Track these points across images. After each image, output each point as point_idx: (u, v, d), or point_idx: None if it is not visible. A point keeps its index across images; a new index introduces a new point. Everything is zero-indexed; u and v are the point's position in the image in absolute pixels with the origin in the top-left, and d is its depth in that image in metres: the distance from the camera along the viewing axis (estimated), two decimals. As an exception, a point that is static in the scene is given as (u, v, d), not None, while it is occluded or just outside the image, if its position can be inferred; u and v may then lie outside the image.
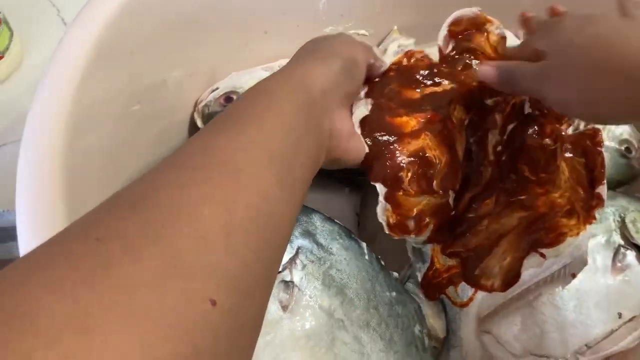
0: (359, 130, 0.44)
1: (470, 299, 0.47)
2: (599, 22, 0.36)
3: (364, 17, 0.63)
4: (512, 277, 0.43)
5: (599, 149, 0.47)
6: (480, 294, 0.47)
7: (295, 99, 0.35)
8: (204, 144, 0.29)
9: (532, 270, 0.44)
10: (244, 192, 0.26)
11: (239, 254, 0.24)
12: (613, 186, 0.57)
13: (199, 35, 0.53)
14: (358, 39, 0.46)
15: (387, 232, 0.43)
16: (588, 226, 0.43)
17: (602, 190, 0.45)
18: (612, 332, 0.48)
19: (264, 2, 0.56)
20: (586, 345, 0.48)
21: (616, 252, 0.49)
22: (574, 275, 0.45)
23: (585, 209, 0.44)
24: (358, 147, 0.44)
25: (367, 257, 0.48)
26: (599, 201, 0.45)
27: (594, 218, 0.44)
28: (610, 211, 0.51)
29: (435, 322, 0.50)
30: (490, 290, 0.45)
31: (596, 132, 0.47)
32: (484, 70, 0.42)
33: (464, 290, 0.48)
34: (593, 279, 0.49)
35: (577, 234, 0.43)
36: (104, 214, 0.23)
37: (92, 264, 0.19)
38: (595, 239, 0.50)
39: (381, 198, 0.42)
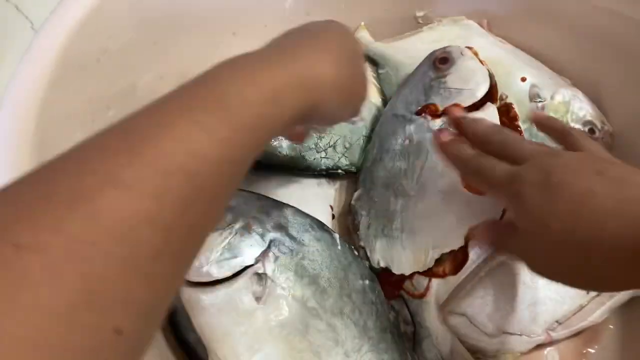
0: None
1: (427, 288, 0.48)
2: (563, 190, 0.33)
3: (330, 14, 0.64)
4: (460, 259, 0.45)
5: (516, 123, 0.48)
6: (436, 282, 0.48)
7: (296, 99, 0.30)
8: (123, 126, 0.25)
9: (477, 248, 0.46)
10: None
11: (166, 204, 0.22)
12: (580, 166, 0.58)
13: (167, 39, 0.53)
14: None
15: None
16: None
17: None
18: (581, 307, 0.49)
19: (230, 3, 0.57)
20: (557, 321, 0.49)
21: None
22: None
23: None
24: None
25: (339, 247, 0.49)
26: None
27: None
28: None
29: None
30: (443, 275, 0.46)
31: (509, 107, 0.48)
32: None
33: (419, 281, 0.49)
34: (561, 257, 0.50)
35: None
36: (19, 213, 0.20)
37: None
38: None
39: None
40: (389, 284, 0.50)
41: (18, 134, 0.39)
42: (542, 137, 0.47)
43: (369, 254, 0.52)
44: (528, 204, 0.34)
